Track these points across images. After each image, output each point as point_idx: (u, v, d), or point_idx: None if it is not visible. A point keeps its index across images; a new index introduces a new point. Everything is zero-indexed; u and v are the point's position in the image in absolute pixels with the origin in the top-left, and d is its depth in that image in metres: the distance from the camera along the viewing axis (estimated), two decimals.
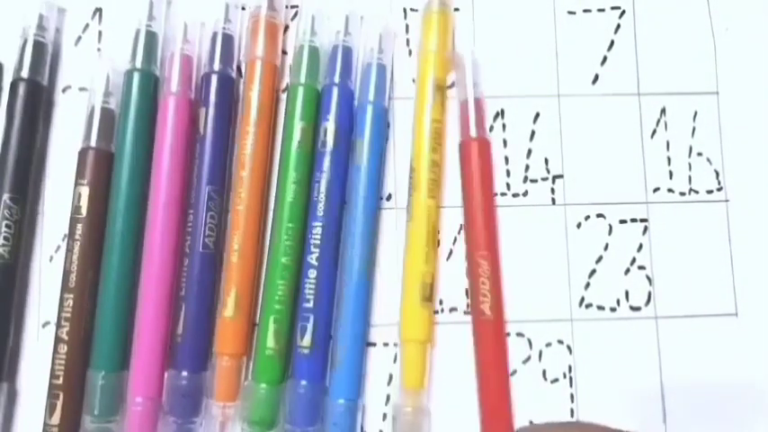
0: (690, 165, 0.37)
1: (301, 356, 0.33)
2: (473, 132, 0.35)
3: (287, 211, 0.34)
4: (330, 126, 0.35)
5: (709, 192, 0.37)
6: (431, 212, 0.34)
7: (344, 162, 0.35)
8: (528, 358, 0.35)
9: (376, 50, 0.36)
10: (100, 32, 0.37)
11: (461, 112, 0.36)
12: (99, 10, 0.37)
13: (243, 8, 0.36)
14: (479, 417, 0.34)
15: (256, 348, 0.34)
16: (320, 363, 0.34)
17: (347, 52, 0.36)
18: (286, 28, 0.37)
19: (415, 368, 0.34)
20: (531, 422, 0.35)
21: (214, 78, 0.35)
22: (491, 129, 0.37)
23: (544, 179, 0.37)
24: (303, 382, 0.33)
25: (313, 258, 0.34)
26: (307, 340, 0.33)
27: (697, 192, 0.37)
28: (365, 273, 0.34)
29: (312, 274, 0.34)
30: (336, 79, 0.35)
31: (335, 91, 0.35)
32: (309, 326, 0.33)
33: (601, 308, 0.36)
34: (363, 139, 0.35)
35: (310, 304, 0.34)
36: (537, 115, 0.37)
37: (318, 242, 0.34)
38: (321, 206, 0.34)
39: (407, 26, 0.38)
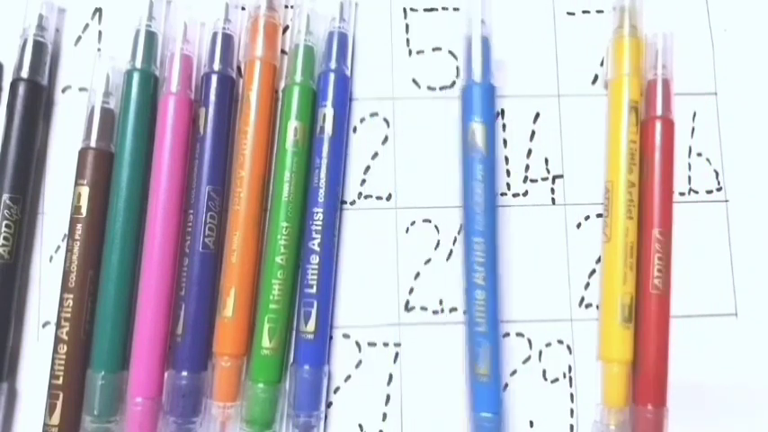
0: (689, 165, 0.37)
1: (305, 342, 0.34)
2: (659, 111, 0.36)
3: (282, 210, 0.34)
4: (329, 112, 0.35)
5: (709, 192, 0.37)
6: (629, 233, 0.34)
7: (343, 148, 0.35)
8: (528, 358, 0.35)
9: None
10: (100, 32, 0.37)
11: (648, 92, 0.36)
12: (99, 10, 0.37)
13: (243, 8, 0.36)
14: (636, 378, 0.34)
15: (253, 348, 0.34)
16: (323, 348, 0.34)
17: (343, 38, 0.36)
18: (285, 28, 0.37)
19: (616, 387, 0.34)
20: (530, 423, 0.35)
21: (214, 78, 0.35)
22: None
23: (544, 179, 0.37)
24: (307, 367, 0.33)
25: (315, 244, 0.34)
26: (311, 326, 0.33)
27: (697, 192, 0.37)
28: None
29: (314, 259, 0.34)
30: (333, 65, 0.35)
31: (332, 77, 0.35)
32: (313, 311, 0.33)
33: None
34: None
35: (313, 290, 0.34)
36: (537, 115, 0.37)
37: (320, 227, 0.34)
38: (322, 192, 0.34)
39: (407, 26, 0.38)
